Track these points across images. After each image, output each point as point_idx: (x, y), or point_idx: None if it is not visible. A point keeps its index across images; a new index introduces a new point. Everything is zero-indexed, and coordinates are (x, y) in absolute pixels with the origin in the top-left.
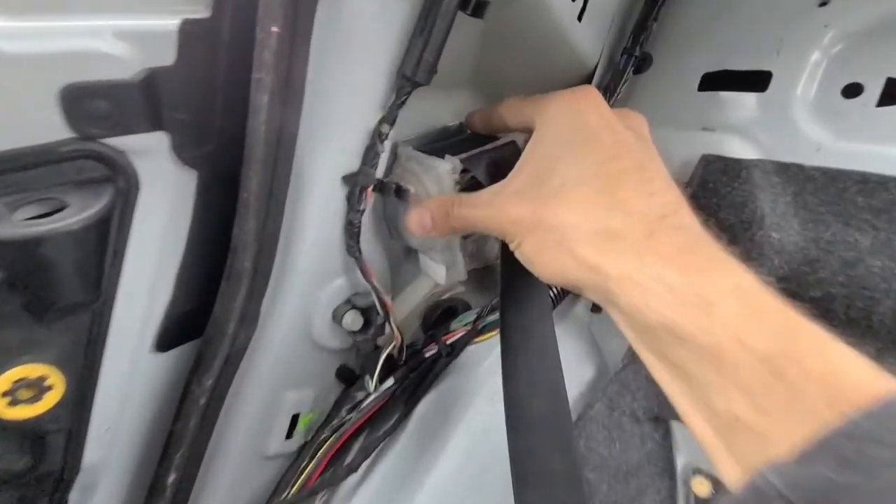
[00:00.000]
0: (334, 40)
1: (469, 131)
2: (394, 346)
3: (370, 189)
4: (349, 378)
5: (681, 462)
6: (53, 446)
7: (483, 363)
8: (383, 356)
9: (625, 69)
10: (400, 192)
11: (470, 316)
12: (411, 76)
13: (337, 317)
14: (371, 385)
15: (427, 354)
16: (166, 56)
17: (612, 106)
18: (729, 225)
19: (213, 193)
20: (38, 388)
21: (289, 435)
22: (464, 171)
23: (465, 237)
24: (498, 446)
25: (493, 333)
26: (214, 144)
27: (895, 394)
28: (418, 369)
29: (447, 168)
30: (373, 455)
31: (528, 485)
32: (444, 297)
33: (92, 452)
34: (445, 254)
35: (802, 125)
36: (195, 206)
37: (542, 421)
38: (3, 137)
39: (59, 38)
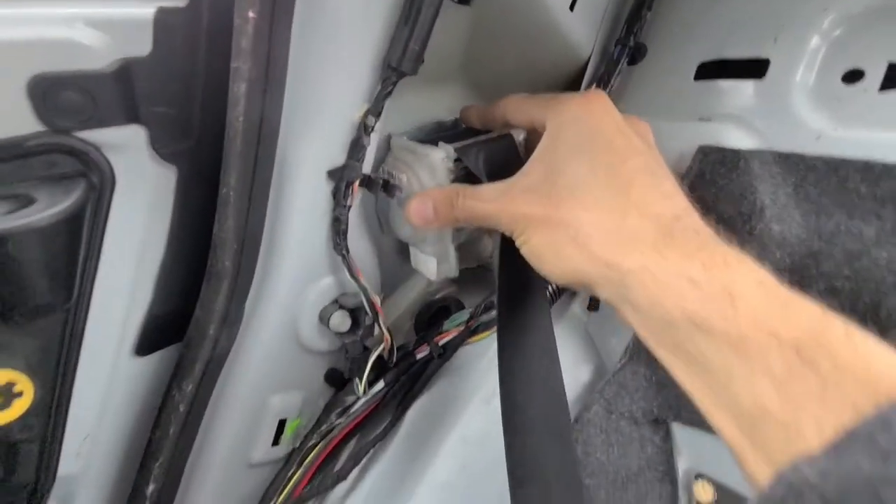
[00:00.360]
0: (316, 28)
1: (464, 126)
2: (383, 348)
3: (356, 184)
4: (338, 381)
5: (682, 466)
6: (26, 456)
7: (477, 365)
8: (372, 358)
9: (619, 60)
10: (388, 188)
11: (463, 316)
12: (397, 66)
13: (324, 318)
14: (360, 388)
15: (418, 356)
16: (141, 46)
17: None
18: (728, 217)
19: (194, 191)
20: (5, 394)
21: (275, 441)
22: (457, 160)
23: (457, 230)
24: (493, 452)
25: (488, 334)
26: (194, 140)
27: None
28: (409, 372)
29: (441, 156)
30: (363, 462)
31: (525, 485)
32: (437, 297)
33: (68, 463)
34: (437, 246)
35: (802, 113)
36: (175, 204)
37: (541, 421)
38: None
39: (29, 25)
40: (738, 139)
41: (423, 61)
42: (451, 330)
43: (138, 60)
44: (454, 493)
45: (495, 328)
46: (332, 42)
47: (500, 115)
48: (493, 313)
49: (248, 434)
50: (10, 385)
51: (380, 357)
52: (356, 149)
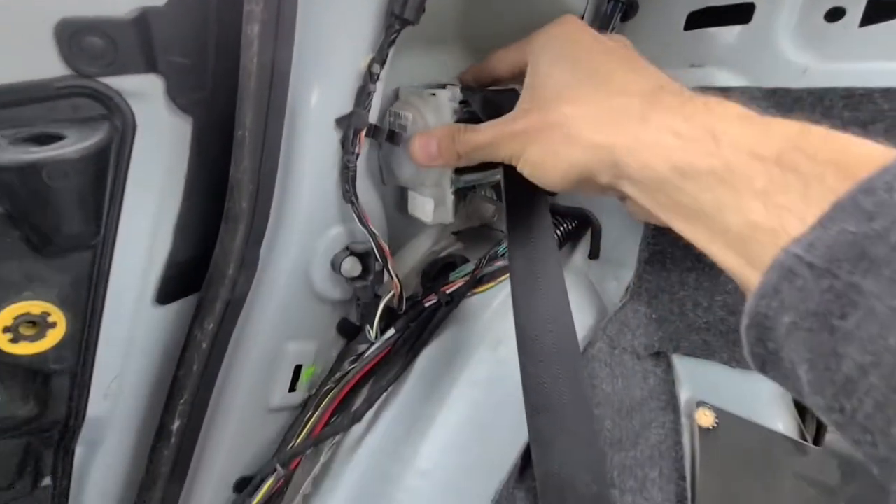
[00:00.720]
0: None
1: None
2: (393, 295)
3: (363, 133)
4: (350, 332)
5: (684, 396)
6: (58, 391)
7: (483, 314)
8: (383, 304)
9: (612, 16)
10: (393, 137)
11: (468, 267)
12: (400, 13)
13: (335, 265)
14: (372, 333)
15: (427, 304)
16: None
17: None
18: None
19: (209, 141)
20: (40, 325)
21: (292, 388)
22: (462, 102)
23: (455, 174)
24: (500, 395)
25: (493, 284)
26: (209, 90)
27: None
28: (419, 319)
29: (447, 95)
30: (376, 404)
31: (540, 413)
32: (442, 255)
33: (96, 404)
34: (435, 189)
35: (787, 52)
36: (191, 154)
37: (553, 354)
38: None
39: None
40: (727, 80)
41: (424, 10)
42: (457, 280)
43: (156, 10)
44: (464, 432)
45: (500, 279)
46: None
47: (487, 71)
48: (497, 264)
49: (266, 378)
50: (45, 315)
51: (389, 308)
52: (363, 96)
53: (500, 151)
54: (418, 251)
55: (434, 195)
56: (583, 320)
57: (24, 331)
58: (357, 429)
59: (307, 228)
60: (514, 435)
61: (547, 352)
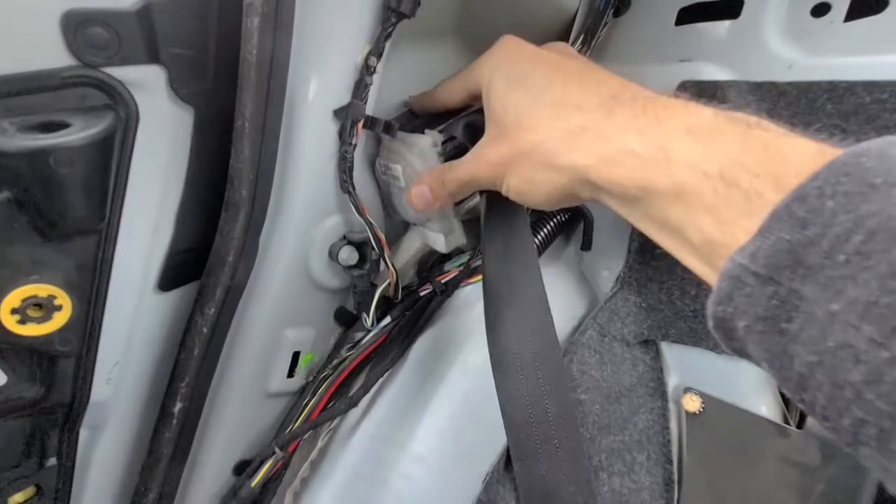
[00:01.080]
0: None
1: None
2: (389, 284)
3: (360, 124)
4: (347, 320)
5: (672, 382)
6: (63, 373)
7: (477, 303)
8: (379, 291)
9: (604, 12)
10: (389, 128)
11: (463, 257)
12: (396, 7)
13: (333, 253)
14: (369, 321)
15: (422, 293)
16: None
17: (594, 49)
18: None
19: (210, 131)
20: (47, 307)
21: (290, 374)
22: (445, 141)
23: (457, 203)
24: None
25: None
26: (210, 82)
27: (838, 155)
28: (414, 308)
29: (428, 142)
30: (373, 390)
31: (521, 427)
32: None
33: (99, 388)
34: (442, 223)
35: (774, 46)
36: (192, 144)
37: (533, 366)
38: (6, 61)
39: None
40: (715, 74)
41: (419, 4)
42: (451, 270)
43: (158, 2)
44: (457, 417)
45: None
46: None
47: (439, 100)
48: None
49: (265, 363)
50: (51, 298)
51: (385, 297)
52: (360, 88)
53: (482, 183)
54: (414, 241)
55: (442, 229)
56: (574, 311)
57: (31, 313)
58: (354, 414)
59: (305, 217)
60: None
61: (527, 365)
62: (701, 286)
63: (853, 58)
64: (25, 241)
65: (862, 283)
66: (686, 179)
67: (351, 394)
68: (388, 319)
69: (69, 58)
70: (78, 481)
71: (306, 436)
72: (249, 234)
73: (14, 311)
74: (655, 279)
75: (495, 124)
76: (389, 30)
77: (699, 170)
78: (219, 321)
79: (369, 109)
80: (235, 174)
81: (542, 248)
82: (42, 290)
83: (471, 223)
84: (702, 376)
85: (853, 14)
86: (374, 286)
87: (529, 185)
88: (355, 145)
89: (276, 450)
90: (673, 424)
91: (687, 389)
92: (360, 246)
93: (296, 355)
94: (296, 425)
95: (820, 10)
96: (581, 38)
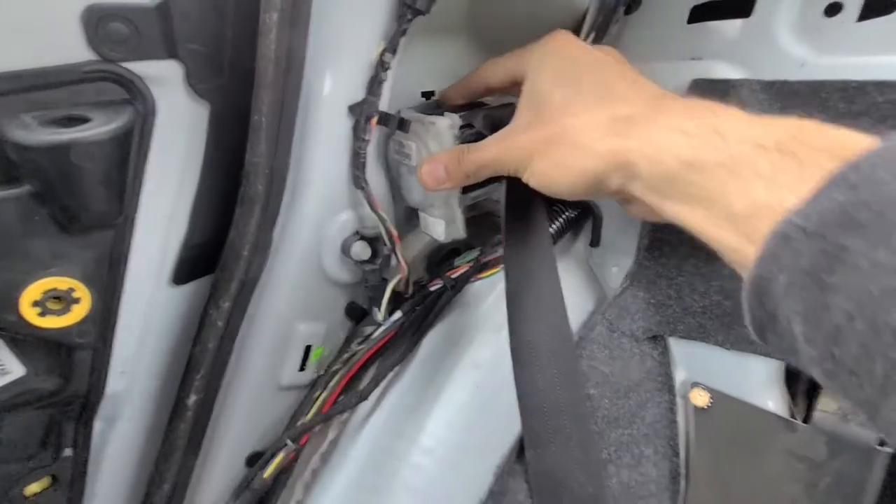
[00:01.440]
0: None
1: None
2: (400, 279)
3: (374, 120)
4: (358, 315)
5: (680, 377)
6: (80, 365)
7: (486, 299)
8: (390, 286)
9: (616, 9)
10: (403, 125)
11: (473, 253)
12: (412, 3)
13: (346, 248)
14: (380, 315)
15: (432, 289)
16: None
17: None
18: None
19: (226, 126)
20: (66, 300)
21: (302, 367)
22: (463, 127)
23: (463, 192)
24: (502, 376)
25: (496, 270)
26: (226, 78)
27: (894, 136)
28: (424, 303)
29: (446, 123)
30: (383, 384)
31: (535, 415)
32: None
33: (115, 380)
34: (444, 209)
35: (786, 45)
36: (208, 139)
37: (549, 358)
38: (28, 56)
39: None
40: (727, 72)
41: (435, 0)
42: (461, 266)
43: None
44: (467, 412)
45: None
46: None
47: (479, 82)
48: (500, 251)
49: (278, 356)
50: (70, 290)
51: (396, 292)
52: (374, 85)
53: (505, 166)
54: (425, 237)
55: (444, 216)
56: (583, 306)
57: (51, 305)
58: (364, 407)
59: (319, 212)
60: (514, 415)
61: (543, 356)
62: (710, 283)
63: (865, 57)
64: (45, 235)
65: None
66: (741, 152)
67: (361, 387)
68: (398, 314)
69: (89, 52)
70: (92, 472)
71: (317, 428)
72: (264, 229)
73: (35, 304)
74: (665, 276)
75: (534, 110)
76: (405, 26)
77: (755, 143)
78: (233, 314)
79: (383, 105)
80: (251, 169)
81: (553, 243)
82: (62, 282)
83: (474, 220)
84: (709, 371)
85: (866, 14)
86: (385, 281)
87: (558, 170)
88: (369, 141)
89: (288, 442)
90: (680, 419)
91: (695, 384)
92: (373, 241)
93: (307, 349)
94: (307, 418)
95: (833, 10)
96: (592, 35)
